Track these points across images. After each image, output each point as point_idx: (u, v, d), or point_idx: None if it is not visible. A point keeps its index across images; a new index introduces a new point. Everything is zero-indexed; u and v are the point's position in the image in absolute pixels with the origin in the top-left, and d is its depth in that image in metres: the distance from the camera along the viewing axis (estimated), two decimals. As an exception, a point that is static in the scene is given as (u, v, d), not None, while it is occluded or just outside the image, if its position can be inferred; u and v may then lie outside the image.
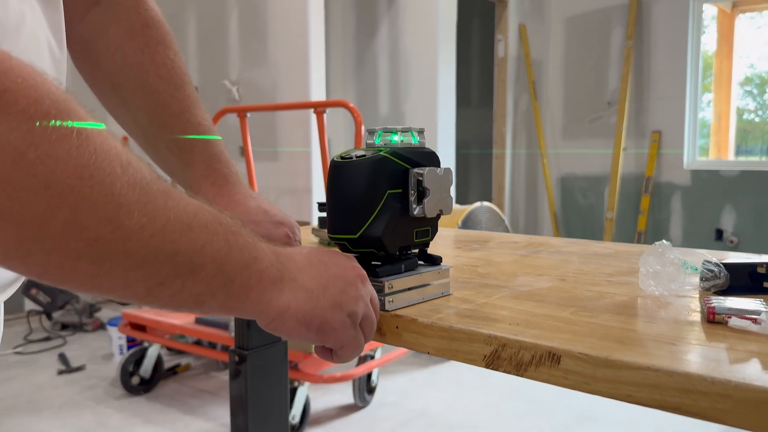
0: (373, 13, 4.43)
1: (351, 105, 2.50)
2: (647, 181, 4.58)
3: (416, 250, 0.71)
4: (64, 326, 3.72)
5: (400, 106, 4.17)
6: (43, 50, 0.55)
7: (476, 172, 6.19)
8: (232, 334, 2.41)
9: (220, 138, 0.78)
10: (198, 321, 2.72)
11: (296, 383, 2.34)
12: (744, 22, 4.68)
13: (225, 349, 2.66)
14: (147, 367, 2.78)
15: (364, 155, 0.64)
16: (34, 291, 3.69)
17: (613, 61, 4.75)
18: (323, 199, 1.11)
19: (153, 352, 2.81)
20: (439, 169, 0.67)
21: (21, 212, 0.35)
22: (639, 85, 4.65)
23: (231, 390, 1.22)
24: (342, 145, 4.46)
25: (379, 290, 0.64)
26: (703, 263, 0.70)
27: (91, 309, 3.80)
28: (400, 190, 0.65)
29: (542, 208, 5.19)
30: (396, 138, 0.67)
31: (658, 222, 4.59)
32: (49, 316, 3.75)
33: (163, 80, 0.73)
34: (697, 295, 0.69)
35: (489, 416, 2.56)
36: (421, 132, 0.69)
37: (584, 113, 4.94)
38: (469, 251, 1.04)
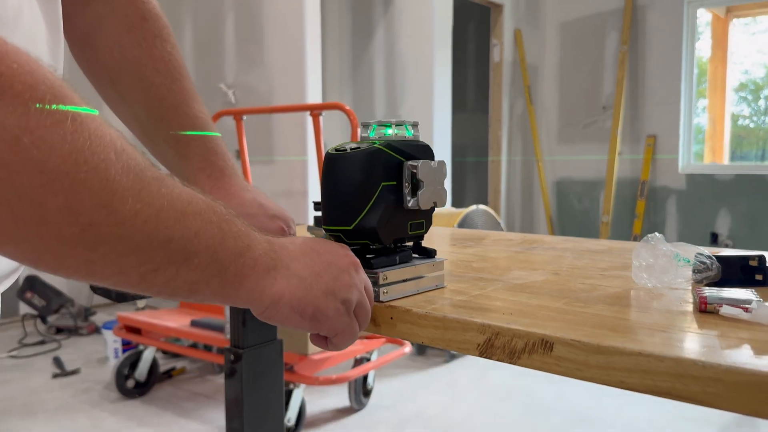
0: (369, 16, 4.45)
1: (347, 107, 2.51)
2: (642, 185, 4.59)
3: (411, 243, 0.71)
4: (59, 330, 3.71)
5: (396, 110, 4.18)
6: (40, 46, 0.55)
7: (472, 176, 6.20)
8: (228, 337, 2.41)
9: (218, 132, 0.78)
10: (193, 323, 2.72)
11: (292, 385, 2.33)
12: (738, 29, 4.72)
13: (220, 351, 2.65)
14: (142, 370, 2.78)
15: (359, 147, 0.64)
16: (29, 294, 3.68)
17: (608, 66, 4.77)
18: (319, 200, 1.11)
19: (148, 355, 2.81)
20: (433, 161, 0.67)
21: (16, 197, 0.36)
22: (634, 90, 4.67)
23: (226, 389, 1.22)
24: (338, 149, 4.46)
25: (374, 281, 0.64)
26: (695, 256, 0.71)
27: (86, 313, 3.79)
28: (395, 183, 0.65)
29: (538, 212, 5.20)
30: (390, 131, 0.68)
31: (653, 226, 4.60)
32: (44, 320, 3.74)
33: (160, 74, 0.73)
34: (690, 287, 0.69)
35: (485, 418, 2.56)
36: (415, 125, 0.70)
37: (579, 118, 4.96)
38: (464, 248, 1.04)
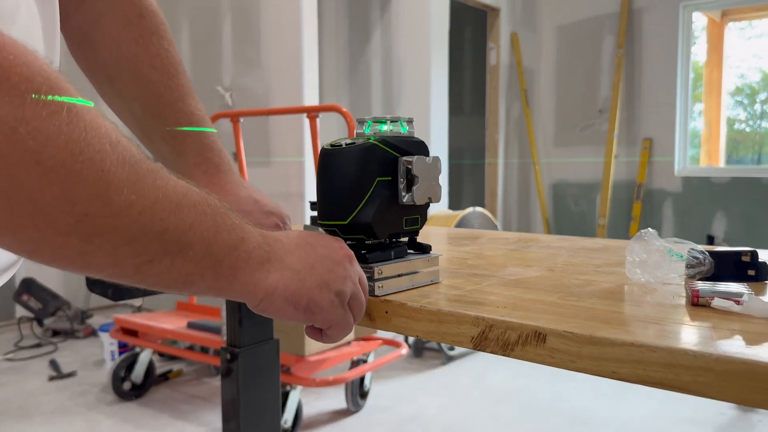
0: (366, 19, 4.46)
1: (344, 110, 2.52)
2: (639, 188, 4.61)
3: (406, 238, 0.72)
4: (56, 333, 3.70)
5: (393, 112, 4.19)
6: (36, 42, 0.56)
7: (469, 179, 6.21)
8: (224, 339, 2.41)
9: (214, 129, 0.78)
10: (190, 326, 2.72)
11: (288, 387, 2.33)
12: (734, 33, 4.74)
13: (217, 353, 2.65)
14: (138, 372, 2.77)
15: (354, 143, 0.64)
16: (25, 297, 3.67)
17: (605, 70, 4.79)
18: (315, 200, 1.12)
19: (145, 357, 2.80)
20: (428, 157, 0.68)
21: (12, 187, 0.36)
22: (630, 93, 4.69)
23: (222, 388, 1.22)
24: (335, 151, 4.46)
25: (369, 276, 0.65)
26: (688, 251, 0.71)
27: (83, 315, 3.78)
28: (390, 178, 0.66)
29: (535, 214, 5.21)
30: (385, 127, 0.68)
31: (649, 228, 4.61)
32: (40, 323, 3.73)
33: (157, 70, 0.73)
34: (683, 282, 0.70)
35: (482, 421, 2.56)
36: (410, 122, 0.70)
37: (576, 121, 4.97)
38: (460, 246, 1.04)
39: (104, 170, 0.39)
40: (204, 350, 2.75)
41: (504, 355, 0.55)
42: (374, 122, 0.68)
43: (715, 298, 0.58)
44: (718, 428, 2.48)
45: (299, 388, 2.35)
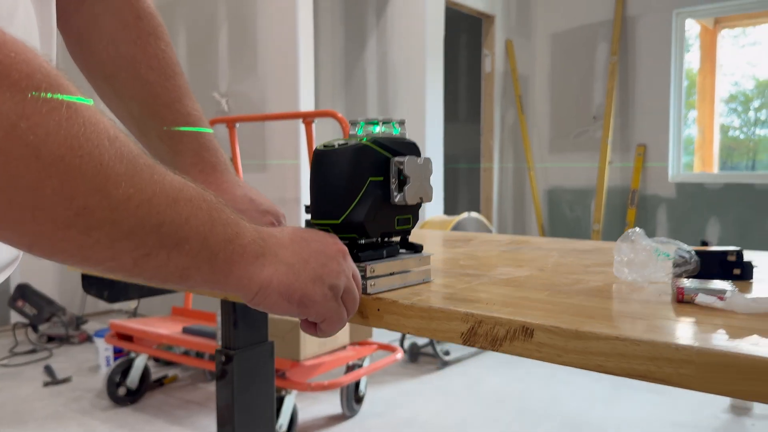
0: (362, 26, 4.49)
1: (339, 115, 2.53)
2: (633, 194, 4.63)
3: (398, 238, 0.73)
4: (51, 339, 3.69)
5: (389, 119, 4.20)
6: (33, 43, 0.57)
7: (464, 185, 6.23)
8: (219, 342, 2.41)
9: (210, 129, 0.80)
10: (185, 331, 2.72)
11: (284, 392, 2.33)
12: (728, 41, 4.78)
13: (212, 358, 2.65)
14: (134, 377, 2.77)
15: (346, 143, 0.66)
16: (20, 303, 3.67)
17: (599, 76, 4.82)
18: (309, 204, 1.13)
19: (140, 362, 2.80)
20: (419, 158, 0.69)
21: (13, 181, 0.37)
22: (624, 100, 4.72)
23: (217, 390, 1.23)
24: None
25: (362, 274, 0.66)
26: (675, 250, 0.73)
27: (78, 321, 3.78)
28: (382, 178, 0.67)
29: (530, 220, 5.23)
30: (378, 128, 0.70)
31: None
32: (35, 329, 3.72)
33: (154, 71, 0.75)
34: (670, 281, 0.71)
35: (477, 425, 2.57)
36: (402, 123, 0.71)
37: (570, 127, 5.00)
38: (453, 248, 1.06)
39: (103, 164, 0.40)
40: (199, 355, 2.75)
41: (493, 350, 0.56)
42: (367, 124, 0.70)
43: (699, 295, 0.59)
44: (712, 431, 2.49)
45: (294, 392, 2.36)
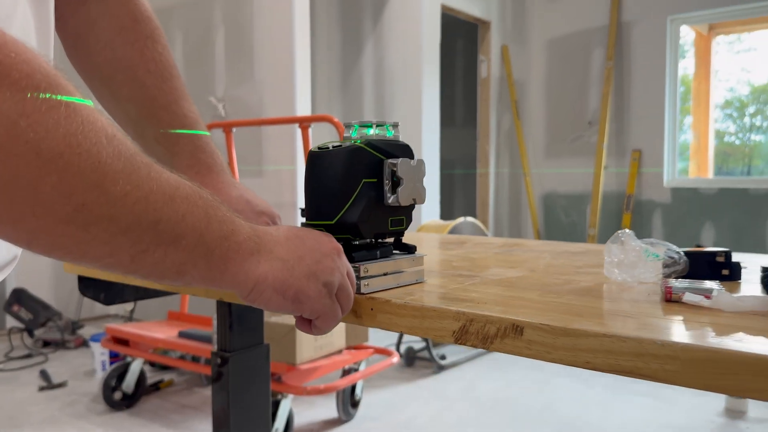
0: (359, 31, 4.51)
1: (335, 120, 2.55)
2: (628, 199, 4.65)
3: (391, 239, 0.74)
4: (46, 343, 3.69)
5: (385, 124, 4.21)
6: (31, 45, 0.58)
7: (460, 190, 6.25)
8: (215, 346, 2.42)
9: (206, 131, 0.81)
10: (181, 335, 2.72)
11: (280, 396, 2.34)
12: (723, 47, 4.81)
13: (208, 362, 2.65)
14: (129, 382, 2.77)
15: (341, 145, 0.67)
16: (16, 308, 3.66)
17: (594, 82, 4.85)
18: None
19: (136, 366, 2.80)
20: (412, 160, 0.70)
21: (13, 177, 0.38)
22: (619, 105, 4.74)
23: (213, 392, 1.23)
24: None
25: (355, 275, 0.67)
26: (665, 251, 0.74)
27: (74, 326, 3.77)
28: (376, 180, 0.68)
29: (525, 225, 5.25)
30: (371, 131, 0.71)
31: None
32: (30, 334, 3.72)
33: (151, 74, 0.76)
34: (659, 281, 0.72)
35: (473, 429, 2.57)
36: (395, 126, 0.73)
37: (566, 132, 5.02)
38: (447, 250, 1.07)
39: (101, 162, 0.41)
40: (195, 360, 2.75)
41: (484, 348, 0.57)
42: (361, 126, 0.71)
43: (686, 293, 0.60)
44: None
45: (290, 396, 2.36)
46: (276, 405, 2.32)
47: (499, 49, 5.00)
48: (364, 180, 0.67)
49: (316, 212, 0.67)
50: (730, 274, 0.75)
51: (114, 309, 4.41)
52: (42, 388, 2.98)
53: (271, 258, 0.55)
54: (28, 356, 3.48)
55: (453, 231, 3.27)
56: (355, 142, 0.68)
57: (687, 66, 4.76)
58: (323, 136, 4.39)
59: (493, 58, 4.94)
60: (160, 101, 0.76)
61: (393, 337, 3.53)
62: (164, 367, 3.20)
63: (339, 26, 4.66)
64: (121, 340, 2.87)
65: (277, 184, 3.46)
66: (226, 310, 1.17)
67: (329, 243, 0.61)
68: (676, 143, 4.63)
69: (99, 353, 3.10)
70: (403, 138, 0.72)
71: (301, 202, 3.27)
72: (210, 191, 0.76)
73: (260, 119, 3.29)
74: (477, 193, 5.13)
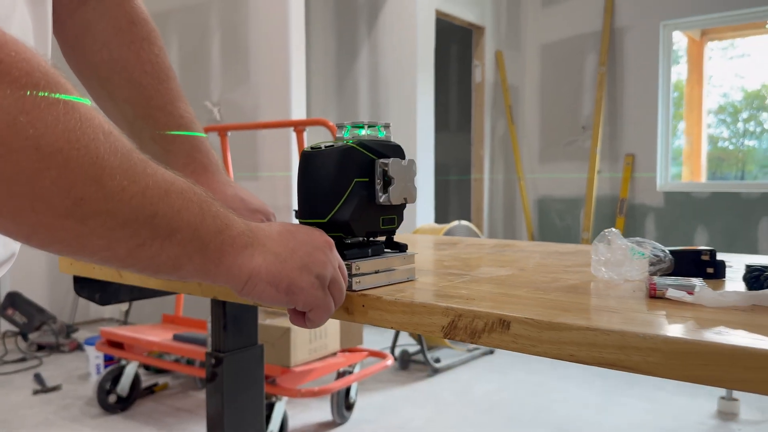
0: (354, 36, 4.53)
1: (330, 123, 2.56)
2: (622, 203, 4.68)
3: (383, 237, 0.75)
4: (41, 347, 3.68)
5: (380, 129, 4.23)
6: (29, 44, 0.59)
7: (455, 195, 6.27)
8: (210, 346, 2.42)
9: (202, 131, 0.82)
10: (176, 338, 2.73)
11: (274, 398, 2.34)
12: (716, 53, 4.85)
13: (203, 365, 2.66)
14: (124, 385, 2.77)
15: (333, 145, 0.68)
16: (10, 311, 3.66)
17: (587, 87, 4.88)
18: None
19: (130, 370, 2.80)
20: (403, 160, 0.72)
21: (13, 172, 0.39)
22: (612, 110, 4.78)
23: (207, 394, 1.24)
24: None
25: (347, 273, 0.68)
26: (651, 249, 0.75)
27: (69, 330, 3.77)
28: (367, 179, 0.70)
29: (520, 229, 5.27)
30: (363, 131, 0.72)
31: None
32: (25, 337, 3.71)
33: (147, 75, 0.77)
34: (645, 279, 0.74)
35: (468, 431, 2.58)
36: (387, 126, 0.74)
37: (560, 137, 5.05)
38: (439, 251, 1.08)
39: (98, 157, 0.42)
40: (190, 362, 2.76)
41: (472, 342, 0.59)
42: (353, 127, 0.72)
43: (669, 289, 0.62)
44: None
45: (285, 399, 2.37)
46: (270, 407, 2.32)
47: (493, 54, 5.03)
48: (355, 179, 0.68)
49: (309, 211, 0.68)
50: (715, 272, 0.77)
51: (109, 312, 4.40)
52: (36, 392, 2.98)
53: (265, 251, 0.56)
54: (23, 360, 3.48)
55: (447, 234, 3.29)
56: (347, 142, 0.69)
57: (680, 71, 4.80)
58: (318, 141, 4.40)
59: (487, 64, 4.97)
60: (156, 101, 0.78)
61: (388, 339, 3.54)
62: (159, 371, 3.20)
63: (334, 31, 4.68)
64: (116, 344, 2.87)
65: (271, 187, 3.47)
66: (220, 310, 1.18)
67: (321, 237, 0.62)
68: (669, 148, 4.66)
69: (94, 356, 3.10)
70: (398, 143, 0.74)
71: (296, 205, 3.29)
72: (204, 188, 0.78)
73: (255, 123, 3.30)
74: (472, 197, 5.15)
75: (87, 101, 0.44)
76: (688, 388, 2.97)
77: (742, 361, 0.45)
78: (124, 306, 4.00)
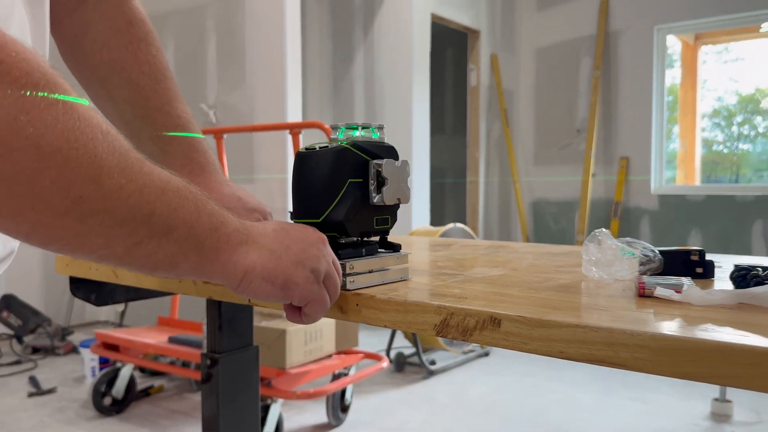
0: (350, 40, 4.55)
1: (326, 126, 2.57)
2: (616, 206, 4.70)
3: (377, 238, 0.76)
4: (36, 350, 3.67)
5: (376, 132, 4.25)
6: (27, 44, 0.60)
7: (450, 198, 6.29)
8: (205, 347, 2.42)
9: (199, 131, 0.83)
10: (171, 340, 2.73)
11: (269, 400, 2.34)
12: (711, 57, 4.88)
13: (198, 368, 2.66)
14: (119, 387, 2.77)
15: (327, 146, 0.69)
16: (5, 314, 3.65)
17: (582, 91, 4.91)
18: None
19: (126, 372, 2.80)
20: (397, 161, 0.73)
21: (13, 171, 0.40)
22: (607, 114, 4.80)
23: (203, 395, 1.24)
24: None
25: (342, 272, 0.69)
26: (641, 250, 0.76)
27: (64, 332, 3.76)
28: (361, 180, 0.70)
29: (515, 232, 5.28)
30: (357, 133, 0.73)
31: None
32: (20, 340, 3.70)
33: (145, 76, 0.78)
34: (635, 278, 0.75)
35: (461, 433, 2.59)
36: (380, 128, 0.75)
37: (554, 140, 5.08)
38: (433, 252, 1.09)
39: (97, 156, 0.43)
40: (185, 365, 2.76)
41: (464, 340, 0.60)
42: (347, 128, 0.73)
43: (658, 288, 0.63)
44: (692, 439, 2.53)
45: (280, 401, 2.37)
46: (266, 409, 2.32)
47: (488, 57, 5.05)
48: (349, 180, 0.69)
49: (304, 211, 0.69)
50: (704, 272, 0.78)
51: (104, 315, 4.40)
52: (31, 395, 2.97)
53: (260, 248, 0.57)
54: (18, 362, 3.47)
55: (443, 236, 3.30)
56: (341, 143, 0.70)
57: (674, 75, 4.83)
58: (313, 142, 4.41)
59: (482, 67, 4.99)
60: (153, 102, 0.79)
61: (383, 342, 3.54)
62: (154, 373, 3.20)
63: (330, 34, 4.70)
64: (111, 346, 2.87)
65: (267, 189, 3.48)
66: (215, 310, 1.19)
67: (314, 234, 0.63)
68: (663, 151, 4.69)
69: (89, 359, 3.09)
70: (386, 138, 0.75)
71: (291, 207, 3.29)
72: (199, 187, 0.78)
73: (251, 125, 3.31)
74: (467, 200, 5.16)
75: (85, 101, 0.44)
76: (682, 390, 2.98)
77: (729, 357, 0.46)
78: (119, 308, 3.99)
